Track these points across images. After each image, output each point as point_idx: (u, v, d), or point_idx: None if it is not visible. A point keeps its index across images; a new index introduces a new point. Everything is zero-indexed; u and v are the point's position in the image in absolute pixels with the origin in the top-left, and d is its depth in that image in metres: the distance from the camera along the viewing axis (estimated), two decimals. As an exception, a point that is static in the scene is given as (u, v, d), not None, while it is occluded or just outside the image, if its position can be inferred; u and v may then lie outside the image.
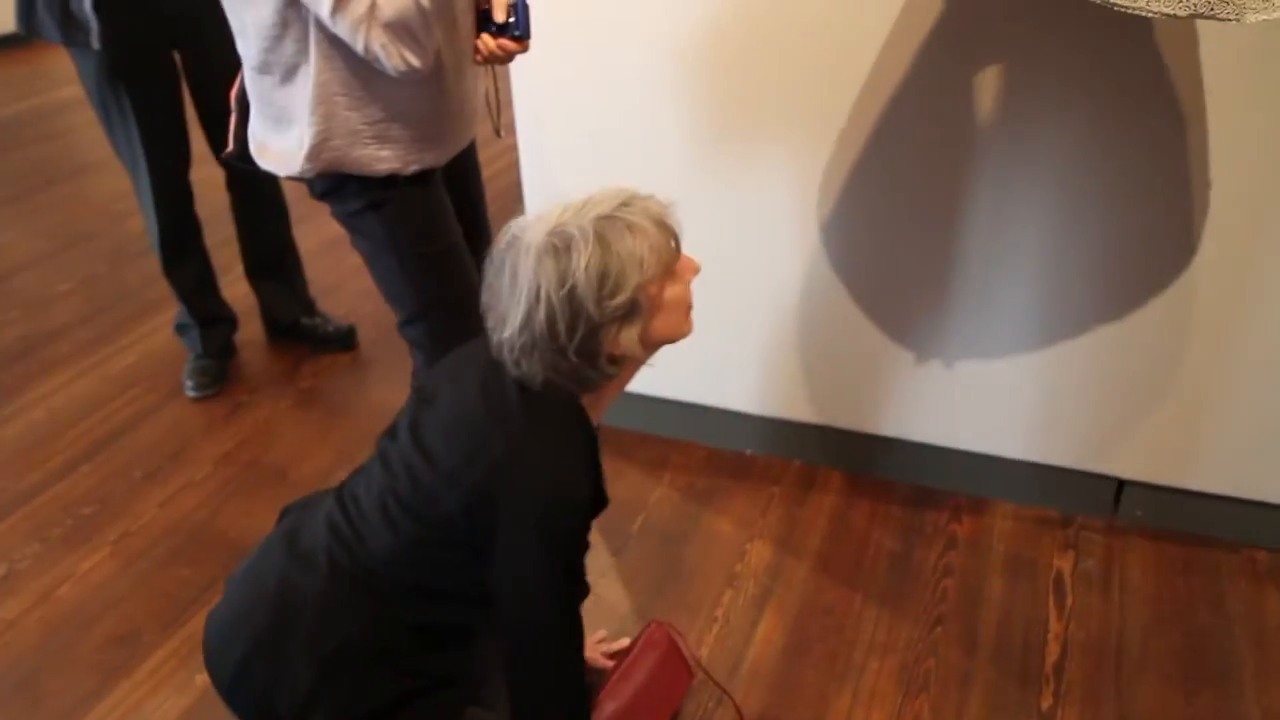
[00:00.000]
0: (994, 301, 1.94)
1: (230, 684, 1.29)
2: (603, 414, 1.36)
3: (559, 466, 1.22)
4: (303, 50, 1.45)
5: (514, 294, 1.18)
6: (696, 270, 1.28)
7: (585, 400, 1.29)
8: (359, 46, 1.39)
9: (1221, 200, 1.72)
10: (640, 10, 1.93)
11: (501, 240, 1.22)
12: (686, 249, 2.05)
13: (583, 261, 1.15)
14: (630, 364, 1.27)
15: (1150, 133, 1.70)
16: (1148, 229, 1.78)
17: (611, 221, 1.18)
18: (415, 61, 1.41)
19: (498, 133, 1.75)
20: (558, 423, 1.24)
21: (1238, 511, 1.99)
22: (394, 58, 1.39)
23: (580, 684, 1.33)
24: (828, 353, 2.14)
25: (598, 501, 1.31)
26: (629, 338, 1.21)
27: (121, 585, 2.04)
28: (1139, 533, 2.05)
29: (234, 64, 1.63)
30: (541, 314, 1.17)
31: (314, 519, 1.36)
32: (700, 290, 2.12)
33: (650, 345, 1.26)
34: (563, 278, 1.15)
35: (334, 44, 1.43)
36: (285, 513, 1.45)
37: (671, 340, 1.27)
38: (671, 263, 1.23)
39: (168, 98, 2.43)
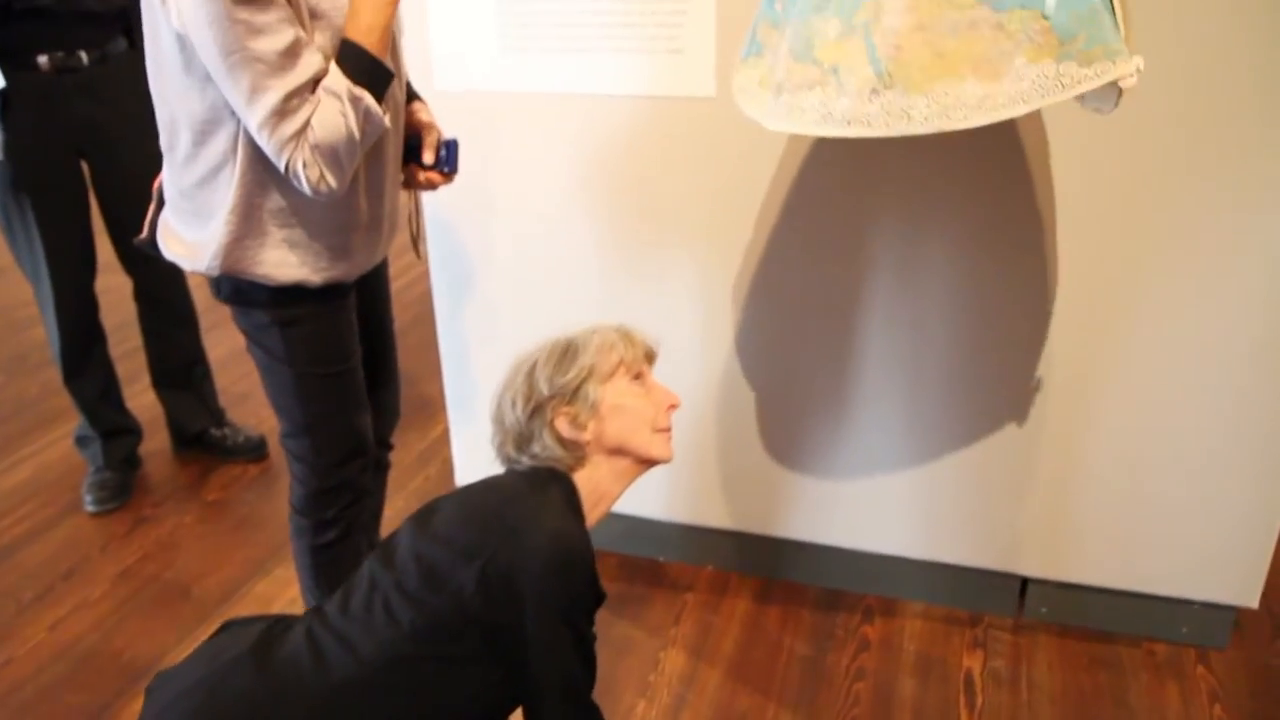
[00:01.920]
0: (892, 409, 2.00)
1: None
2: (594, 519, 1.39)
3: (564, 522, 1.26)
4: (230, 150, 1.44)
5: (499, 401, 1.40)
6: (673, 400, 1.40)
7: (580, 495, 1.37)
8: (280, 163, 1.39)
9: (1072, 311, 1.82)
10: (549, 132, 2.00)
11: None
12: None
13: (546, 349, 1.38)
14: (601, 463, 1.37)
15: (1005, 262, 1.81)
16: (1010, 342, 1.87)
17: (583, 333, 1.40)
18: (333, 184, 1.41)
19: (418, 253, 1.77)
20: (551, 488, 1.33)
21: (1135, 606, 2.04)
22: (313, 179, 1.39)
23: None
24: (737, 459, 2.17)
25: (597, 594, 1.31)
26: (573, 418, 1.34)
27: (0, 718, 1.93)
28: (1045, 630, 2.09)
29: (143, 172, 1.62)
30: (508, 397, 1.37)
31: (290, 633, 1.27)
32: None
33: (612, 447, 1.36)
34: (530, 366, 1.38)
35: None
36: (226, 626, 1.36)
37: (642, 455, 1.37)
38: (634, 365, 1.38)
39: (73, 207, 2.41)
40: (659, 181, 1.98)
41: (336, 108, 1.37)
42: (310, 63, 1.35)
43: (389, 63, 1.43)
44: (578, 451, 1.36)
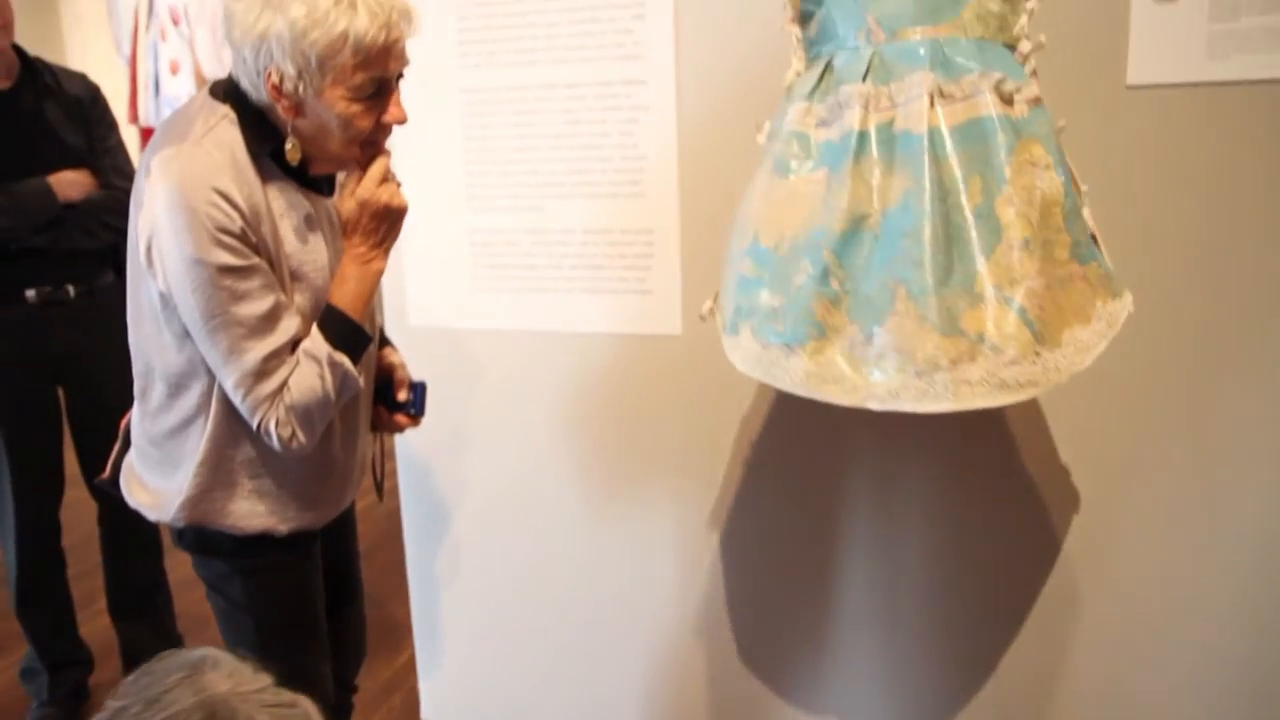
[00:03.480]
0: (873, 639, 1.97)
1: None
2: None
3: None
4: (204, 403, 1.44)
5: None
6: None
7: None
8: (254, 421, 1.39)
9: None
10: (521, 369, 2.05)
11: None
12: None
13: None
14: None
15: (984, 490, 1.84)
16: (992, 569, 1.87)
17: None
18: (304, 440, 1.42)
19: (380, 497, 1.77)
20: None
21: None
22: (285, 436, 1.40)
23: None
24: (720, 689, 2.10)
25: None
26: None
27: None
28: None
29: (121, 404, 1.61)
30: None
31: None
32: (578, 640, 2.11)
33: None
34: None
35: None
36: None
37: None
38: None
39: (45, 435, 2.41)
40: (630, 418, 2.02)
41: (315, 370, 1.39)
42: (289, 326, 1.39)
43: (368, 325, 1.47)
44: None
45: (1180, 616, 1.79)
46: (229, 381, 1.38)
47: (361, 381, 1.47)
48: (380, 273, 1.47)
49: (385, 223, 1.45)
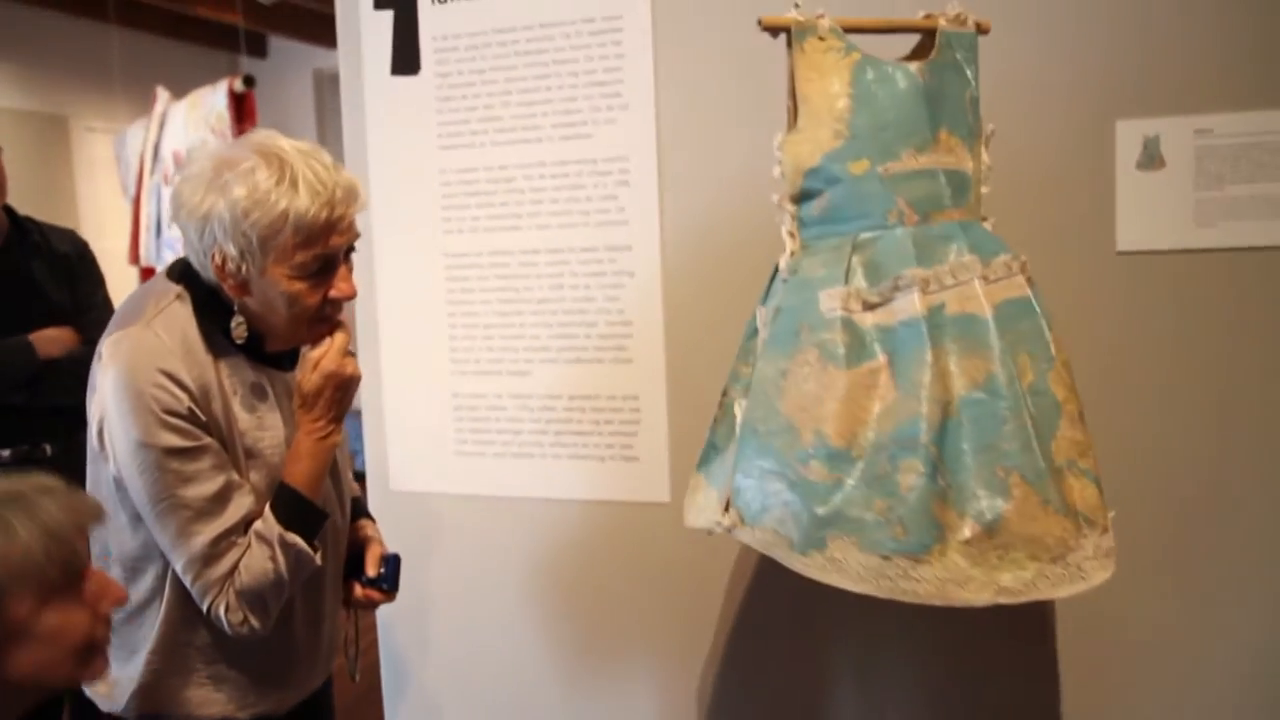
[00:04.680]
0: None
1: None
2: None
3: None
4: (159, 588, 1.40)
5: None
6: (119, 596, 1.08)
7: None
8: (203, 604, 1.35)
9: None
10: (503, 535, 1.99)
11: None
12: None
13: None
14: None
15: (972, 661, 1.75)
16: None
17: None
18: (256, 624, 1.37)
19: (353, 677, 1.69)
20: None
21: None
22: (235, 621, 1.35)
23: None
24: None
25: None
26: None
27: None
28: None
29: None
30: None
31: None
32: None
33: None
34: None
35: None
36: None
37: (42, 686, 1.01)
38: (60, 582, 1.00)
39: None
40: (614, 585, 1.94)
41: (266, 553, 1.34)
42: (240, 505, 1.35)
43: (322, 503, 1.42)
44: None
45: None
46: (178, 565, 1.33)
47: (319, 559, 1.40)
48: (335, 446, 1.43)
49: (346, 395, 1.41)
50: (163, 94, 4.39)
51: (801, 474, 1.27)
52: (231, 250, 1.29)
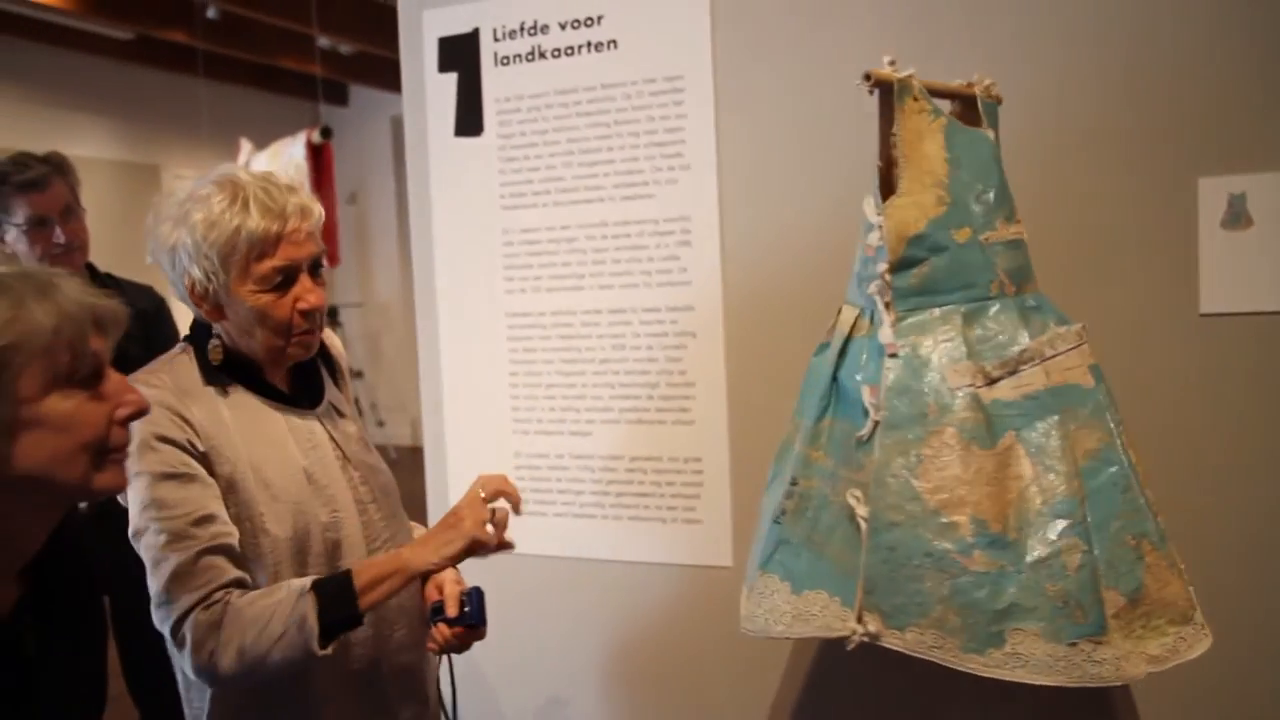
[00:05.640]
0: None
1: None
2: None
3: None
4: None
5: None
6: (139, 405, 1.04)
7: None
8: (166, 627, 1.31)
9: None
10: (565, 596, 1.96)
11: None
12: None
13: None
14: None
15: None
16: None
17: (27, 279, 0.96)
18: (219, 664, 1.28)
19: None
20: None
21: None
22: (197, 647, 1.29)
23: None
24: None
25: None
26: None
27: None
28: None
29: None
30: None
31: None
32: None
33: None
34: None
35: None
36: None
37: (54, 483, 0.98)
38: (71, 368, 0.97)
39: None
40: (675, 648, 1.90)
41: (277, 598, 1.31)
42: (220, 533, 1.33)
43: (366, 613, 1.37)
44: None
45: None
46: (153, 588, 1.32)
47: (319, 650, 1.31)
48: (416, 577, 1.43)
49: (469, 555, 1.44)
50: (245, 145, 4.54)
51: (964, 566, 1.18)
52: (197, 273, 1.35)
